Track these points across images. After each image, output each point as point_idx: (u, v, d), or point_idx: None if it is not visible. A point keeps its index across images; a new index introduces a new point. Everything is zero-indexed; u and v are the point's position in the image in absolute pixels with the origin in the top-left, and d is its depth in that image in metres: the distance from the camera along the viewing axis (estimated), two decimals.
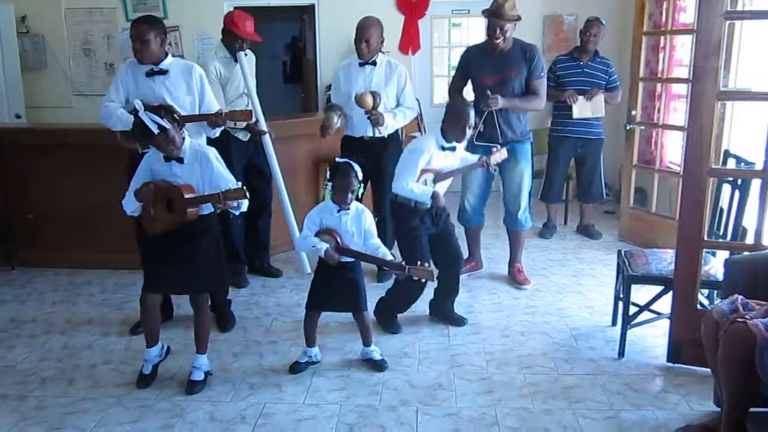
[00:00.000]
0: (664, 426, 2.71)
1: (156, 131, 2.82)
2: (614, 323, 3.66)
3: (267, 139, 4.14)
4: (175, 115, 3.04)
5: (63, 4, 6.86)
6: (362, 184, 3.08)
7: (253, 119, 3.77)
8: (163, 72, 3.41)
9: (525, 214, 4.28)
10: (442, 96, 6.87)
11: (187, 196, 2.87)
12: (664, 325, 3.34)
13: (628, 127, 5.16)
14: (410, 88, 4.24)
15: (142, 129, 2.84)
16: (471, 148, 3.92)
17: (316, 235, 3.08)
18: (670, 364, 3.20)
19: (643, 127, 5.31)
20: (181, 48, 6.87)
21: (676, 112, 5.33)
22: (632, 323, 3.37)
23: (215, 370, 3.18)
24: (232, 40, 4.02)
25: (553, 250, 5.09)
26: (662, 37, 5.20)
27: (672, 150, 5.32)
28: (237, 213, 2.95)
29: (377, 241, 3.11)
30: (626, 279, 3.32)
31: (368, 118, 3.99)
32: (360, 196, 3.10)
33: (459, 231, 4.46)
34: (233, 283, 4.33)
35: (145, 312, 3.03)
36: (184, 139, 2.94)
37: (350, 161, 3.06)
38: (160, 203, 2.92)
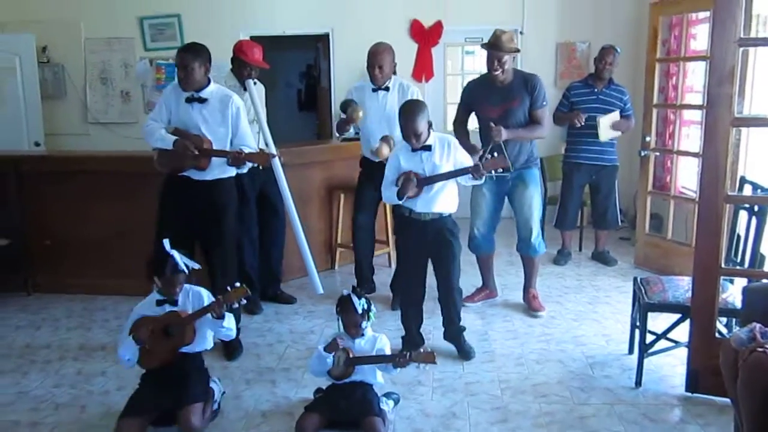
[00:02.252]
0: None
1: (184, 270, 2.90)
2: (631, 351, 3.61)
3: (277, 163, 4.12)
4: (196, 151, 3.28)
5: (83, 35, 7.01)
6: (369, 313, 3.00)
7: (268, 163, 3.75)
8: (203, 100, 3.47)
9: (538, 240, 4.26)
10: None
11: (183, 316, 2.89)
12: (682, 353, 3.29)
13: (642, 154, 5.15)
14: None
15: (163, 264, 2.88)
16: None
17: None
18: (689, 394, 3.14)
19: (657, 154, 5.30)
20: None
21: (689, 138, 5.32)
22: (649, 352, 3.33)
23: (228, 398, 3.17)
24: (240, 67, 4.09)
25: (568, 277, 5.06)
26: (673, 64, 5.21)
27: (685, 176, 5.30)
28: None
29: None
30: (643, 307, 3.28)
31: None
32: (368, 308, 3.01)
33: (472, 258, 4.50)
34: (246, 310, 4.33)
35: None
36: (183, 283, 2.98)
37: (351, 294, 2.98)
38: (156, 334, 2.87)
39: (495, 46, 3.92)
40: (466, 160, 3.44)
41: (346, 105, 4.20)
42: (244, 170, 3.60)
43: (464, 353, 3.62)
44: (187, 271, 2.91)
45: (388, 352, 3.01)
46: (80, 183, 4.56)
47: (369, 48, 4.16)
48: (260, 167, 4.07)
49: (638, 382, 3.27)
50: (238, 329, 3.79)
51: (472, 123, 4.31)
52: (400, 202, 3.44)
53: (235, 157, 3.41)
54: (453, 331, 3.67)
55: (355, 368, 2.94)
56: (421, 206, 3.43)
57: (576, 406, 3.10)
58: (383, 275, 4.65)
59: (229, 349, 3.69)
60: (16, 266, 4.69)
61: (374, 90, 4.18)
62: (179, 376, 2.89)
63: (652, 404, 3.10)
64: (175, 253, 2.89)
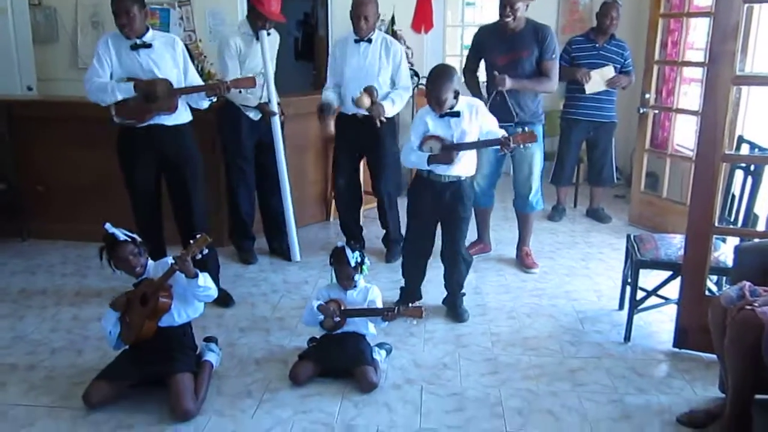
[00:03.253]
0: (668, 411, 2.72)
1: (126, 239, 2.79)
2: (621, 307, 3.66)
3: (276, 121, 4.12)
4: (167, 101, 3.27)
5: None
6: (362, 266, 3.02)
7: (257, 87, 3.72)
8: (148, 45, 3.40)
9: (536, 197, 4.26)
10: None
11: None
12: (671, 310, 3.34)
13: (641, 111, 5.11)
14: (405, 67, 4.22)
15: (108, 243, 2.81)
16: None
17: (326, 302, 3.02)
18: (676, 350, 3.20)
19: (656, 111, 5.26)
20: (193, 23, 6.82)
21: (687, 96, 5.28)
22: (639, 308, 3.37)
23: (221, 345, 3.19)
24: (255, 17, 3.99)
25: (561, 233, 5.08)
26: (675, 20, 5.13)
27: (683, 134, 5.27)
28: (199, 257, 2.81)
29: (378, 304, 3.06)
30: (634, 263, 3.31)
31: (369, 113, 3.97)
32: (362, 261, 3.02)
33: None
34: (241, 259, 4.35)
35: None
36: (147, 261, 2.88)
37: (345, 247, 3.00)
38: (134, 305, 2.81)
39: None
40: (493, 125, 3.39)
41: (324, 103, 4.14)
42: (205, 105, 3.57)
43: (458, 316, 3.57)
44: (130, 239, 2.81)
45: (379, 304, 3.04)
46: (72, 129, 4.49)
47: None
48: (263, 118, 4.08)
49: (627, 337, 3.33)
50: (219, 286, 3.81)
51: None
52: (427, 167, 3.37)
53: (215, 87, 3.39)
54: (453, 297, 3.63)
55: (346, 320, 2.98)
56: (442, 168, 3.36)
57: (565, 359, 3.15)
58: (375, 228, 4.65)
59: (218, 301, 3.71)
60: (10, 212, 4.68)
61: (356, 41, 4.10)
62: (163, 348, 2.80)
63: (640, 359, 3.15)
64: (110, 227, 2.81)
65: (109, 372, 2.77)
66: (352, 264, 2.98)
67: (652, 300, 3.42)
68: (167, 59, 3.44)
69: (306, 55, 9.35)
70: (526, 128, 3.47)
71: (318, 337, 3.07)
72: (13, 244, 4.67)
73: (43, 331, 3.39)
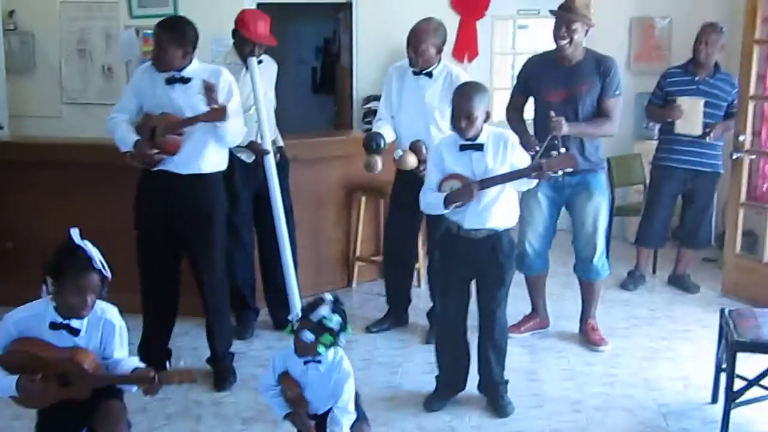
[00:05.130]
0: None
1: (100, 269, 2.54)
2: (715, 400, 3.59)
3: (268, 161, 4.13)
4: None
5: None
6: (329, 336, 2.63)
7: (226, 120, 3.57)
8: (186, 80, 3.52)
9: (601, 261, 4.25)
10: (502, 113, 6.89)
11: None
12: None
13: (734, 157, 5.10)
14: None
15: (71, 256, 2.56)
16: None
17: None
18: None
19: (753, 157, 5.25)
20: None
21: None
22: (738, 401, 3.29)
23: None
24: (241, 43, 4.11)
25: (638, 306, 5.04)
26: None
27: None
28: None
29: (344, 405, 2.74)
30: (731, 345, 3.26)
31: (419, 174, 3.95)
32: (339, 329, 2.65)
33: (519, 279, 4.50)
34: (235, 334, 4.36)
35: None
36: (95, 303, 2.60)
37: (323, 299, 2.69)
38: (47, 378, 2.53)
39: (566, 8, 3.95)
40: (525, 162, 3.34)
41: (370, 145, 4.10)
42: (222, 141, 3.61)
43: (500, 409, 3.49)
44: (104, 272, 2.55)
45: (346, 391, 2.75)
46: (50, 175, 4.62)
47: (402, 22, 4.17)
48: (256, 161, 4.14)
49: None
50: (232, 354, 3.86)
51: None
52: (446, 212, 3.35)
53: (214, 112, 3.42)
54: (491, 382, 3.54)
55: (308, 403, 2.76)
56: (471, 221, 3.31)
57: None
58: (416, 299, 4.65)
59: (219, 378, 3.74)
60: None
61: (415, 74, 4.18)
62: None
63: None
64: (88, 246, 2.57)
65: None
66: (313, 320, 2.62)
67: (755, 392, 3.35)
68: (199, 95, 3.50)
69: (326, 88, 9.54)
70: (561, 150, 3.42)
71: None
72: None
73: (5, 419, 3.42)
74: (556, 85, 4.07)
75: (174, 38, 3.46)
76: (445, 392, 3.56)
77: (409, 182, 4.01)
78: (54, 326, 2.56)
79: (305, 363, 2.70)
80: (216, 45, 6.91)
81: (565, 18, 3.95)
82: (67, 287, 2.52)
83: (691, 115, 4.99)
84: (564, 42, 3.97)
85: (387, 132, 4.21)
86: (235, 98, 3.65)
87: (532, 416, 3.49)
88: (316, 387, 2.72)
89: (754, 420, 3.42)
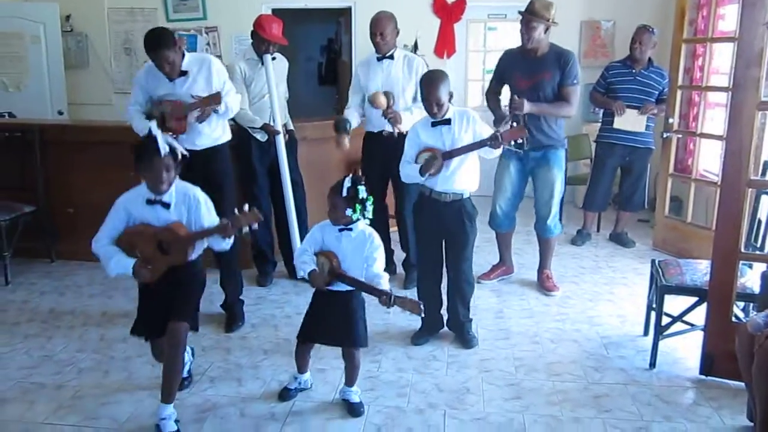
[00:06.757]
0: None
1: (164, 152, 2.61)
2: (646, 333, 3.62)
3: (279, 140, 4.15)
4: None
5: (105, 4, 7.04)
6: (362, 204, 2.74)
7: (223, 103, 3.53)
8: (184, 72, 3.50)
9: (554, 221, 4.26)
10: (476, 100, 6.87)
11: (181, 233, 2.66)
12: (697, 336, 3.30)
13: (664, 136, 5.10)
14: None
15: (147, 148, 2.62)
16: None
17: (315, 254, 2.80)
18: (703, 377, 3.16)
19: (680, 136, 5.24)
20: (220, 48, 7.00)
21: (713, 121, 5.26)
22: (665, 334, 3.33)
23: (245, 367, 3.23)
24: (258, 42, 4.10)
25: (585, 258, 5.05)
26: (700, 45, 5.13)
27: (707, 159, 5.24)
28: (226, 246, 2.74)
29: (378, 270, 2.76)
30: (659, 289, 3.28)
31: (385, 117, 4.02)
32: (364, 198, 2.75)
33: (490, 236, 4.52)
34: (256, 282, 4.40)
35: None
36: (174, 178, 2.71)
37: (346, 178, 2.77)
38: (149, 247, 2.68)
39: (528, 10, 3.93)
40: (486, 133, 3.34)
41: (339, 125, 4.16)
42: (226, 115, 3.62)
43: (466, 342, 3.52)
44: (169, 153, 2.62)
45: (378, 258, 2.78)
46: (102, 152, 4.59)
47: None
48: (268, 140, 4.13)
49: (652, 364, 3.29)
50: (242, 301, 3.90)
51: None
52: (422, 180, 3.36)
53: (206, 102, 3.40)
54: (457, 321, 3.57)
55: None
56: (440, 185, 3.33)
57: (589, 385, 3.12)
58: (397, 252, 4.65)
59: (229, 320, 3.76)
60: (41, 233, 4.77)
61: (379, 59, 4.17)
62: (174, 283, 2.72)
63: (665, 386, 3.12)
64: (158, 134, 2.62)
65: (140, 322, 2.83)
66: (344, 194, 2.70)
67: (678, 326, 3.39)
68: (201, 84, 3.52)
69: (330, 80, 9.46)
70: (515, 124, 3.42)
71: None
72: (42, 265, 4.76)
73: (71, 351, 3.44)
74: (523, 74, 4.05)
75: (171, 47, 3.39)
76: (428, 329, 3.59)
77: (374, 147, 4.21)
78: (149, 202, 2.69)
79: (339, 231, 2.78)
80: (238, 44, 6.88)
81: (526, 18, 3.93)
82: (143, 170, 2.66)
83: (630, 118, 4.99)
84: (525, 38, 3.96)
85: (353, 117, 4.22)
86: (223, 76, 3.61)
87: (499, 347, 3.53)
88: (348, 253, 2.77)
89: (676, 348, 3.46)
